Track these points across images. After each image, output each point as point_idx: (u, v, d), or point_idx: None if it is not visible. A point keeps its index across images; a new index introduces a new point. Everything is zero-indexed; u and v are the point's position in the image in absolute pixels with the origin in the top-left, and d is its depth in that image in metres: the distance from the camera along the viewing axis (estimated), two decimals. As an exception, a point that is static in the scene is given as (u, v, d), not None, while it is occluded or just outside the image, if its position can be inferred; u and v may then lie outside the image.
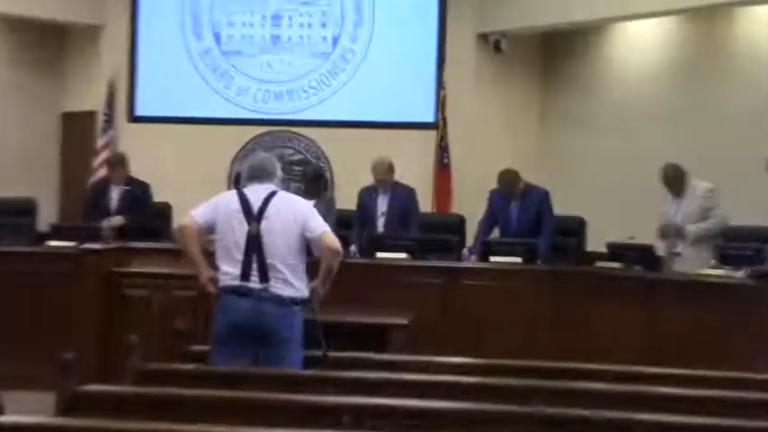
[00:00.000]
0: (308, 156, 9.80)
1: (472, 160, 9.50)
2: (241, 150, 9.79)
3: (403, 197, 7.52)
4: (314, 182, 7.44)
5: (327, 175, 9.01)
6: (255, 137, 9.87)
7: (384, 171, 7.47)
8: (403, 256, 6.82)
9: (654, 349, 5.85)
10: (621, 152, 9.15)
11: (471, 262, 7.03)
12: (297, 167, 9.62)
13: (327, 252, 4.14)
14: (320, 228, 4.17)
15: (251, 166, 4.34)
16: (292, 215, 4.17)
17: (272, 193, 4.22)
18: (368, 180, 7.80)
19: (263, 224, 4.13)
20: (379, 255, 6.83)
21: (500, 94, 9.82)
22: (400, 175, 7.91)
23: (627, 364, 4.32)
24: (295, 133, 9.88)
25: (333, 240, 4.15)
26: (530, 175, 7.83)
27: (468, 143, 9.59)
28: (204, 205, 4.27)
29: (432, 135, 9.54)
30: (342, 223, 6.96)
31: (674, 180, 6.82)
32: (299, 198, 4.33)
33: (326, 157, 9.83)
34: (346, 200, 8.04)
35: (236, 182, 7.62)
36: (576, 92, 9.72)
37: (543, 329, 6.37)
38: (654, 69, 9.07)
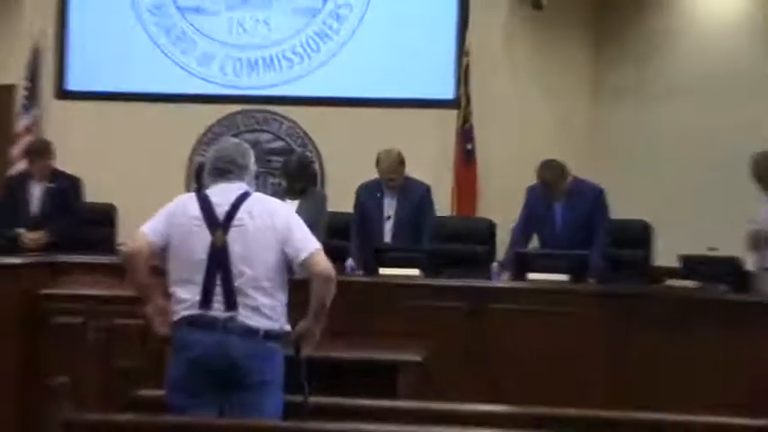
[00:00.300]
0: (291, 142, 9.81)
1: (504, 148, 9.49)
2: (204, 136, 9.82)
3: (415, 197, 7.63)
4: (298, 176, 7.56)
5: (315, 167, 9.15)
6: (222, 118, 9.88)
7: (393, 167, 7.59)
8: (415, 272, 6.90)
9: (742, 393, 5.89)
10: (698, 137, 9.19)
11: (503, 280, 7.08)
12: (276, 158, 9.61)
13: (320, 280, 4.16)
14: (308, 245, 4.19)
15: (216, 158, 4.36)
16: (270, 224, 4.19)
17: (244, 195, 4.23)
18: (368, 174, 7.90)
19: (232, 235, 4.15)
20: (384, 271, 6.92)
21: (540, 64, 9.78)
22: (410, 169, 7.96)
23: (708, 413, 4.33)
24: (273, 113, 9.89)
25: (326, 264, 4.17)
26: (579, 168, 7.85)
27: (498, 126, 9.56)
28: (156, 216, 4.31)
29: (451, 116, 9.50)
30: (335, 230, 7.12)
31: (767, 172, 6.94)
32: (280, 202, 4.35)
33: (314, 145, 9.83)
34: (339, 199, 8.10)
35: (198, 178, 7.80)
36: (640, 59, 9.70)
37: (596, 368, 6.42)
38: (737, 28, 9.20)
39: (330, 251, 4.46)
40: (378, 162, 7.66)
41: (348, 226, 7.83)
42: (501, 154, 9.52)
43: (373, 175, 7.86)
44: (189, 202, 4.27)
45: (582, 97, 9.81)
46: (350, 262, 7.33)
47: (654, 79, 9.55)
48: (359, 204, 7.83)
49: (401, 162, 7.67)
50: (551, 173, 7.36)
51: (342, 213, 7.91)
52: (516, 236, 7.58)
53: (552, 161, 7.43)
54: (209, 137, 9.74)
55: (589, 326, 6.48)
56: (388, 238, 7.63)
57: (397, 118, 9.44)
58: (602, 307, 6.55)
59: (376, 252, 7.18)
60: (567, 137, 9.61)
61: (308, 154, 9.49)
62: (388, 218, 7.63)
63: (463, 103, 9.38)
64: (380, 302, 6.59)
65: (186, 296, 4.17)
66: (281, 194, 7.47)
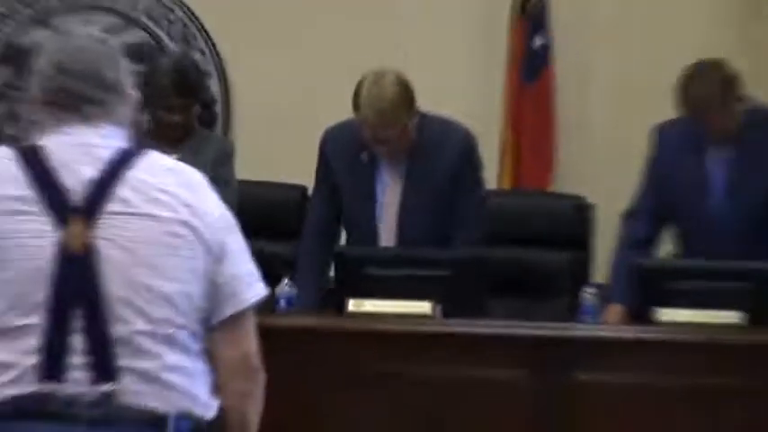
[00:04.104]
0: (160, 34, 7.66)
1: (612, 44, 7.47)
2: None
3: (442, 157, 5.85)
4: (178, 101, 5.76)
5: (212, 87, 7.36)
6: None
7: (389, 117, 5.65)
8: (423, 306, 5.37)
9: None
10: None
11: (606, 326, 5.57)
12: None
13: (247, 376, 3.32)
14: (252, 286, 3.30)
15: (57, 70, 3.32)
16: (185, 215, 3.23)
17: (125, 153, 3.30)
18: (334, 108, 5.94)
19: (103, 231, 3.20)
20: (367, 304, 5.42)
21: None
22: (423, 96, 5.77)
23: None
24: None
25: (254, 341, 3.32)
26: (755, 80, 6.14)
27: (597, 16, 7.48)
28: None
29: None
30: (252, 222, 4.56)
31: None
32: (201, 176, 3.35)
33: (210, 42, 7.57)
34: (259, 158, 6.72)
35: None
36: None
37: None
38: None
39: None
40: (356, 103, 5.63)
41: (279, 213, 6.35)
42: (607, 63, 7.46)
43: (346, 109, 5.72)
44: (1, 166, 3.30)
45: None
46: (285, 286, 5.47)
47: None
48: (323, 170, 5.86)
49: (404, 100, 5.62)
50: (705, 86, 5.62)
51: (266, 185, 6.43)
52: (631, 228, 5.87)
53: (707, 64, 5.71)
54: (15, 25, 7.55)
55: None
56: (388, 239, 5.88)
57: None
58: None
59: (342, 265, 5.54)
60: (740, 37, 7.56)
61: (197, 59, 7.31)
62: (387, 205, 5.91)
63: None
64: (355, 371, 5.20)
65: (10, 358, 3.19)
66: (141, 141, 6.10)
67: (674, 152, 5.85)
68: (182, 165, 3.45)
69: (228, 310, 3.29)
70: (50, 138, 3.28)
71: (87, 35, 3.81)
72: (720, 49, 6.48)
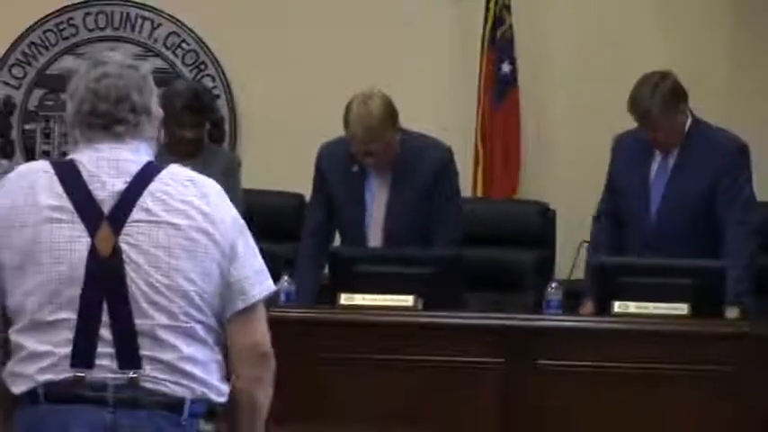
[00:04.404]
0: (175, 62, 8.06)
1: (569, 76, 7.77)
2: (16, 44, 7.87)
3: (424, 170, 6.20)
4: (191, 120, 6.18)
5: (222, 109, 7.71)
6: (47, 17, 7.90)
7: (374, 131, 5.99)
8: (407, 300, 5.68)
9: None
10: None
11: (572, 314, 5.90)
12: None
13: (258, 361, 3.45)
14: (262, 283, 3.45)
15: (92, 94, 3.48)
16: (202, 224, 3.44)
17: (149, 168, 3.49)
18: (327, 123, 6.28)
19: (128, 238, 3.41)
20: (357, 298, 5.71)
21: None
22: (405, 114, 6.15)
23: None
24: (143, 6, 8.03)
25: (264, 331, 3.46)
26: (709, 106, 6.50)
27: (559, 35, 7.83)
28: None
29: (474, 8, 7.68)
30: (263, 227, 4.97)
31: None
32: (217, 186, 3.53)
33: (219, 68, 7.93)
34: (261, 169, 6.98)
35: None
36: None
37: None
38: None
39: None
40: (346, 121, 5.99)
41: (280, 218, 6.68)
42: (565, 85, 7.80)
43: (338, 125, 6.05)
44: (38, 178, 3.48)
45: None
46: (285, 282, 5.76)
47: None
48: (319, 181, 6.22)
49: (389, 118, 5.98)
50: (651, 95, 5.86)
51: (268, 193, 6.79)
52: (596, 232, 6.19)
53: (654, 75, 5.96)
54: (23, 53, 7.92)
55: (726, 399, 5.45)
56: (376, 240, 6.22)
57: (369, 14, 7.72)
58: (755, 365, 5.47)
59: (336, 264, 5.88)
60: (692, 62, 7.66)
61: (208, 83, 7.83)
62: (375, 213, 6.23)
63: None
64: (348, 355, 5.54)
65: (44, 348, 3.39)
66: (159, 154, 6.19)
67: (625, 161, 6.14)
68: (200, 176, 3.66)
69: (239, 305, 3.47)
70: (83, 153, 3.50)
71: (120, 61, 3.80)
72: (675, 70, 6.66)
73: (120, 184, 3.45)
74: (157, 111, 3.63)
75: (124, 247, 3.43)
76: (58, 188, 3.47)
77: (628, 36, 7.93)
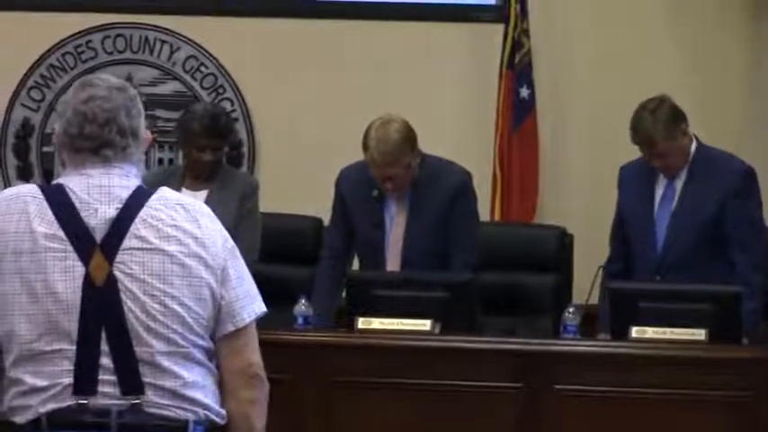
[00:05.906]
0: (193, 84, 8.01)
1: (589, 101, 7.77)
2: (30, 75, 7.82)
3: (442, 194, 6.20)
4: (210, 144, 6.14)
5: (239, 133, 7.69)
6: (65, 40, 7.85)
7: (393, 156, 6.00)
8: (425, 324, 5.72)
9: None
10: None
11: (589, 339, 5.92)
12: (162, 111, 7.95)
13: (251, 385, 3.49)
14: (252, 305, 3.51)
15: (80, 119, 3.47)
16: (194, 249, 3.46)
17: (139, 193, 3.50)
18: (346, 147, 6.38)
19: (122, 266, 3.41)
20: (374, 322, 5.74)
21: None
22: (424, 139, 6.18)
23: None
24: (159, 29, 7.95)
25: (256, 353, 3.51)
26: (717, 129, 6.73)
27: (578, 60, 7.82)
28: None
29: (492, 32, 7.67)
30: (272, 250, 5.90)
31: None
32: (207, 209, 3.57)
33: (237, 90, 7.89)
34: (278, 193, 6.95)
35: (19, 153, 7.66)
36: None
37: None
38: None
39: (265, 286, 3.77)
40: (365, 145, 5.99)
41: (297, 242, 6.69)
42: (583, 110, 7.81)
43: (357, 149, 6.08)
44: (30, 203, 3.46)
45: (733, 16, 7.97)
46: (302, 306, 5.77)
47: None
48: (338, 204, 6.29)
49: (407, 142, 6.02)
50: (652, 122, 5.89)
51: (286, 216, 6.73)
52: (610, 266, 6.21)
53: (653, 100, 5.99)
54: (41, 76, 7.88)
55: (754, 426, 5.43)
56: (394, 264, 6.24)
57: (388, 41, 7.77)
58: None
59: (353, 287, 5.88)
60: (707, 86, 7.83)
61: (227, 106, 7.69)
62: (396, 239, 6.25)
63: (515, 14, 7.58)
64: (362, 382, 5.52)
65: (45, 383, 3.38)
66: (175, 179, 6.30)
67: (630, 190, 6.20)
68: (189, 199, 3.71)
69: (230, 327, 3.50)
70: (71, 179, 3.49)
71: (108, 84, 3.79)
72: (686, 98, 6.78)
73: (111, 211, 3.45)
74: (145, 133, 3.62)
75: (119, 275, 3.44)
76: (49, 215, 3.46)
77: (647, 61, 7.94)
